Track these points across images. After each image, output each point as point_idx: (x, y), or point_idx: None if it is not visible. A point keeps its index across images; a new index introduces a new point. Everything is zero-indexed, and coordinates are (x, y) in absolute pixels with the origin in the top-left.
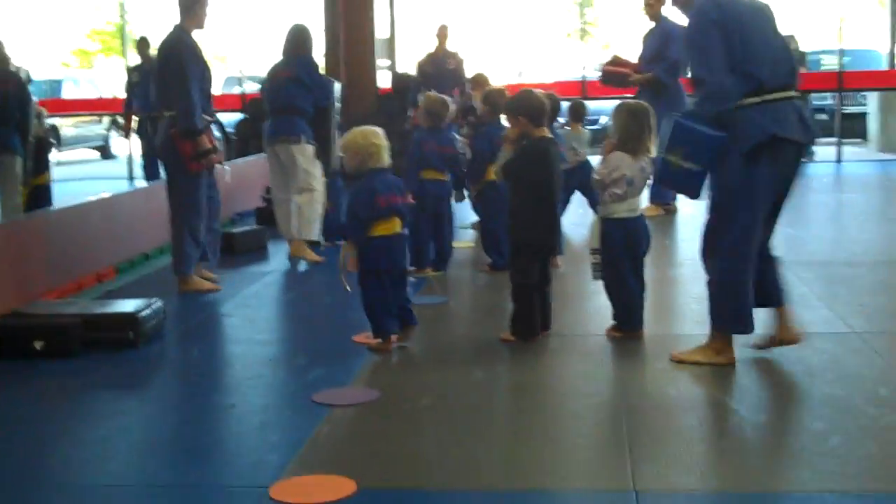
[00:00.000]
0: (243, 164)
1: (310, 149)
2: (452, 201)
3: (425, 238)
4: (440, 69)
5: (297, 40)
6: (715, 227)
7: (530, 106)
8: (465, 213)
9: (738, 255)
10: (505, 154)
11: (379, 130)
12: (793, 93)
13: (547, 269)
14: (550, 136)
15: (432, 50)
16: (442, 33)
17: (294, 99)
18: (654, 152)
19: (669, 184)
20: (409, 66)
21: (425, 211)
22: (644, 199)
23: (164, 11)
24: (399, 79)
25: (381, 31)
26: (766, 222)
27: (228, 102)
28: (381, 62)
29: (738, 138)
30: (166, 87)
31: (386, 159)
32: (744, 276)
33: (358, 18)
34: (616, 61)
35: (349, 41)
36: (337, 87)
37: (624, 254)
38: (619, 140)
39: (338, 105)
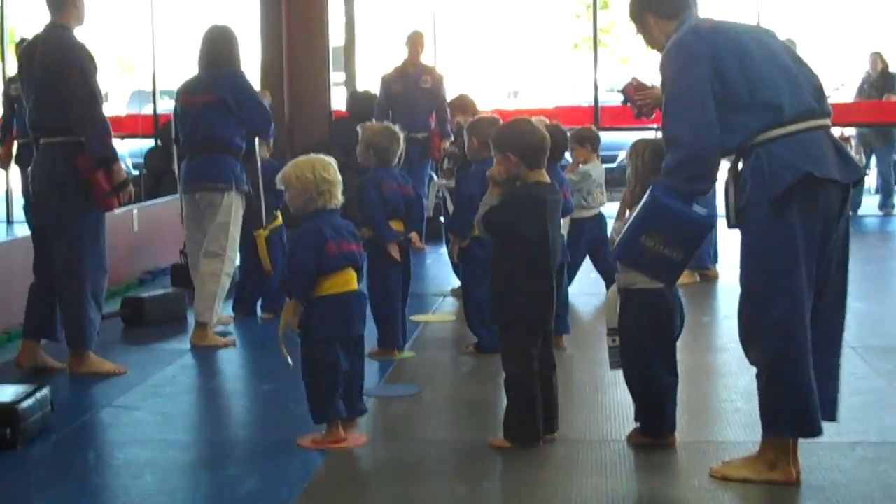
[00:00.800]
0: (156, 207)
1: (239, 201)
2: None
3: (396, 306)
4: (411, 88)
5: (218, 48)
6: (752, 305)
7: (524, 141)
8: (443, 275)
9: (787, 334)
10: (489, 200)
11: (331, 162)
12: (824, 121)
13: (550, 351)
14: (548, 180)
15: (401, 63)
16: (415, 42)
17: (218, 130)
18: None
19: (640, 269)
20: (371, 82)
21: (394, 269)
22: None
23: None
24: (358, 99)
25: (335, 38)
26: (824, 297)
27: (135, 125)
28: (336, 77)
29: (765, 183)
30: (59, 103)
31: (338, 198)
32: (800, 361)
33: (306, 20)
34: (637, 86)
35: (294, 50)
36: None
37: (650, 335)
38: (641, 188)
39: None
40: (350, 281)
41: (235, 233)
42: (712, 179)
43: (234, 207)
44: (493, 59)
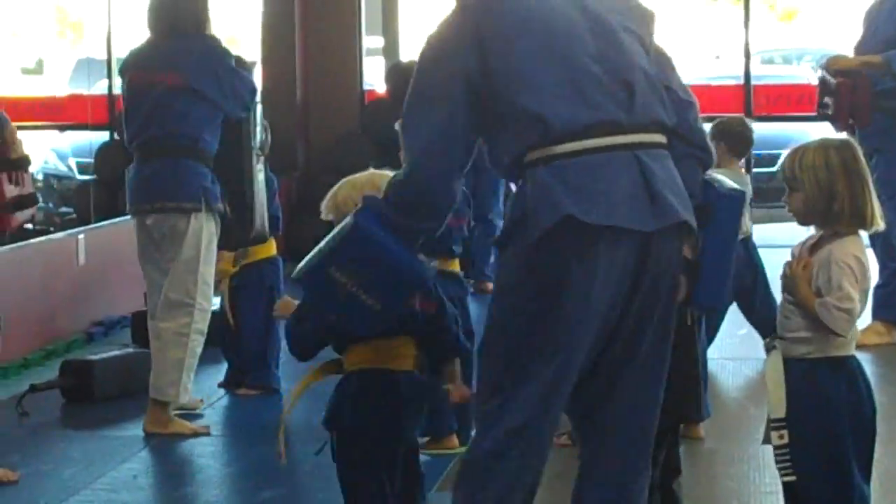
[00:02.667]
0: (111, 231)
1: (211, 226)
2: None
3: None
4: None
5: (180, 5)
6: (479, 390)
7: None
8: None
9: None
10: None
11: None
12: (632, 137)
13: (674, 448)
14: None
15: None
16: None
17: (182, 125)
18: (881, 224)
19: (326, 309)
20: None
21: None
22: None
23: None
24: (402, 73)
25: None
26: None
27: (82, 110)
28: (371, 42)
29: (523, 222)
30: None
31: None
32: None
33: None
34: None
35: (312, 1)
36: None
37: (843, 430)
38: (829, 211)
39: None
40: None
41: (208, 273)
42: (438, 219)
43: (204, 236)
44: None
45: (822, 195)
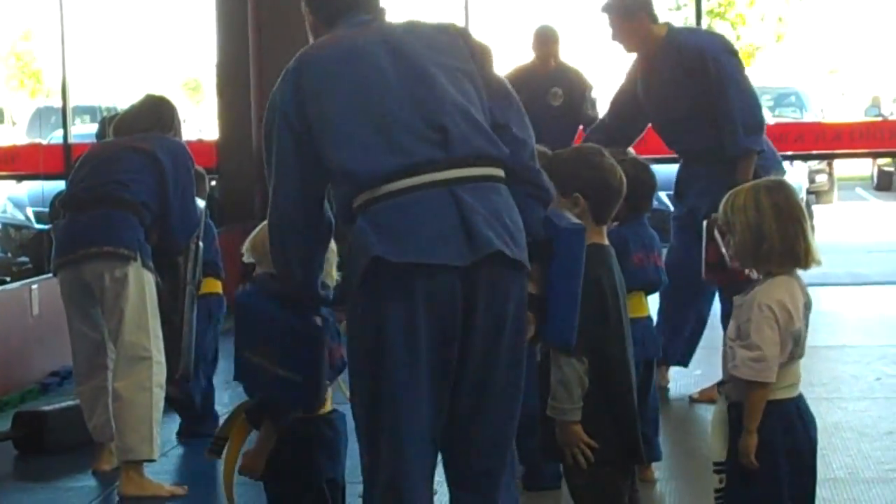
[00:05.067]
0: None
1: (150, 278)
2: None
3: None
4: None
5: (161, 111)
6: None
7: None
8: None
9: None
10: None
11: None
12: (447, 174)
13: (636, 496)
14: (605, 243)
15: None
16: (546, 39)
17: (134, 182)
18: (820, 261)
19: (263, 395)
20: None
21: None
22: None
23: None
24: None
25: None
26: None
27: (36, 159)
28: None
29: (349, 272)
30: None
31: (333, 275)
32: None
33: None
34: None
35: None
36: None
37: (780, 473)
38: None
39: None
40: (327, 399)
41: (156, 324)
42: (296, 282)
43: (146, 285)
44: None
45: (752, 236)
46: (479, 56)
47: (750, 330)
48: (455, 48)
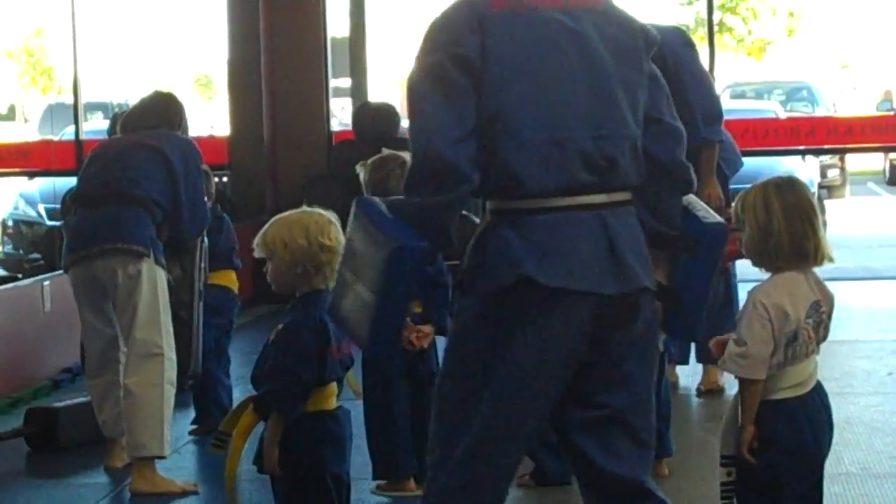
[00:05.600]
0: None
1: (162, 275)
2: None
3: (405, 423)
4: None
5: (169, 109)
6: (435, 430)
7: None
8: None
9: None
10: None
11: (331, 220)
12: (598, 198)
13: None
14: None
15: None
16: None
17: (145, 179)
18: (832, 258)
19: (341, 326)
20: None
21: (402, 377)
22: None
23: None
24: (370, 114)
25: (336, 27)
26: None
27: (48, 155)
28: (338, 83)
29: (482, 270)
30: None
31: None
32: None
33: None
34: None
35: (277, 42)
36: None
37: (784, 472)
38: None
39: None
40: (333, 395)
41: (167, 320)
42: (452, 187)
43: (158, 282)
44: None
45: (761, 233)
46: (649, 44)
47: (741, 325)
48: (635, 50)
